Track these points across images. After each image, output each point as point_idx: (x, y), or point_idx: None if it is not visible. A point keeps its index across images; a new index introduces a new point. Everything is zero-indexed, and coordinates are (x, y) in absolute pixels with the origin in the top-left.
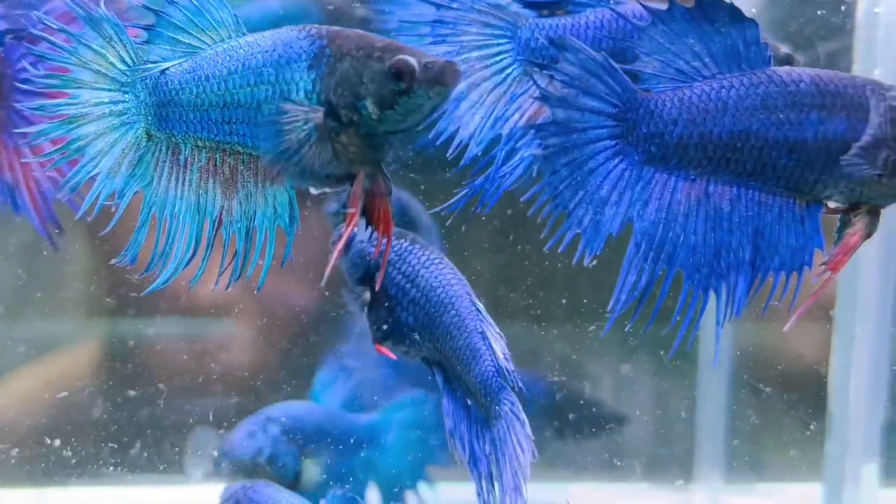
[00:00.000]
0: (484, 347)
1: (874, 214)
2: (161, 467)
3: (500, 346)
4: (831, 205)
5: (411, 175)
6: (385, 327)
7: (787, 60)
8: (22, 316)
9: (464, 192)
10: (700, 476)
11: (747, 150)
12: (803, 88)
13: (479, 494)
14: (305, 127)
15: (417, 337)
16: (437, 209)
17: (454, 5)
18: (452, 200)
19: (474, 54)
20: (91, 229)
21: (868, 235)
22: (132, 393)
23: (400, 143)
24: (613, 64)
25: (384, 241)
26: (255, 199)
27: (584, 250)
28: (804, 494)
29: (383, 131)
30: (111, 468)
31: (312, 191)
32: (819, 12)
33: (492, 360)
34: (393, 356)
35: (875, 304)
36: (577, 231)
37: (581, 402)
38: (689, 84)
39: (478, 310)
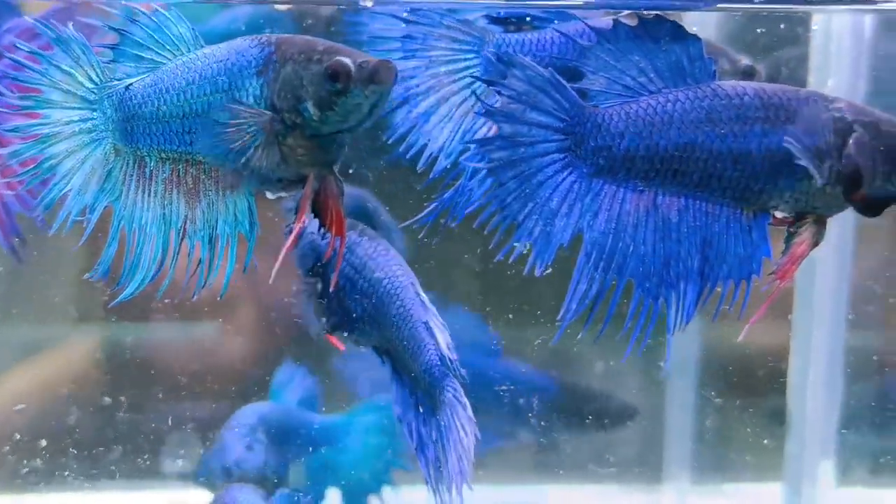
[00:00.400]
0: (428, 337)
1: (820, 224)
2: (138, 475)
3: (443, 336)
4: (778, 215)
5: (385, 187)
6: (335, 318)
7: (749, 72)
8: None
9: (433, 205)
10: (668, 477)
11: (693, 161)
12: (747, 101)
13: (426, 481)
14: (251, 129)
15: (366, 327)
16: (407, 223)
17: (423, 20)
18: (422, 214)
19: (443, 69)
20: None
21: (815, 244)
22: (110, 399)
23: (346, 144)
24: (560, 80)
25: (337, 241)
26: (216, 207)
27: (536, 261)
28: (766, 493)
29: (327, 132)
30: (84, 476)
31: (269, 195)
32: (781, 26)
33: (436, 350)
34: (341, 346)
35: (830, 308)
36: (528, 242)
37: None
38: (636, 99)
39: (422, 301)
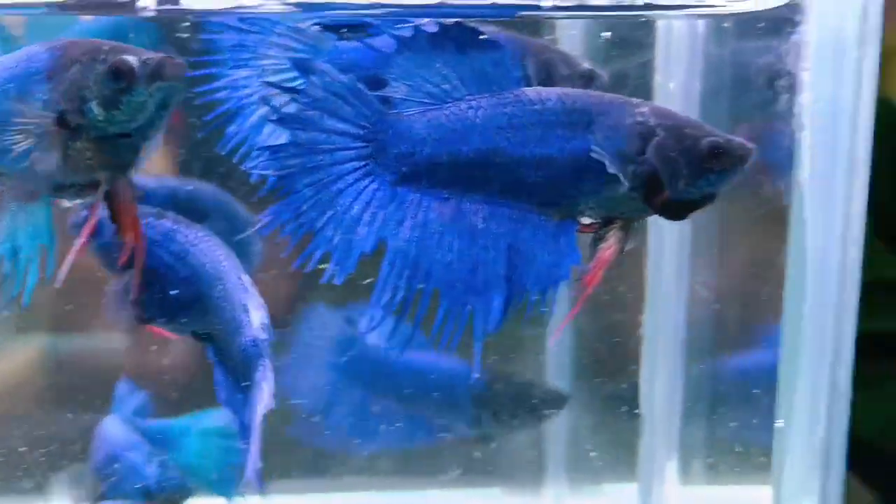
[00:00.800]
0: (246, 319)
1: (627, 228)
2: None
3: (258, 316)
4: (585, 220)
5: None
6: (154, 308)
7: (589, 75)
8: None
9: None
10: (549, 481)
11: (496, 167)
12: (550, 107)
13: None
14: (36, 133)
15: (188, 313)
16: (241, 235)
17: (254, 29)
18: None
19: (276, 78)
20: None
21: (622, 249)
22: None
23: (139, 147)
24: (360, 87)
25: (133, 247)
26: (18, 218)
27: (336, 268)
28: (629, 493)
29: (114, 133)
30: None
31: (66, 203)
32: (627, 31)
33: (251, 331)
34: (167, 334)
35: (673, 313)
36: (327, 250)
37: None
38: (439, 106)
39: (244, 284)
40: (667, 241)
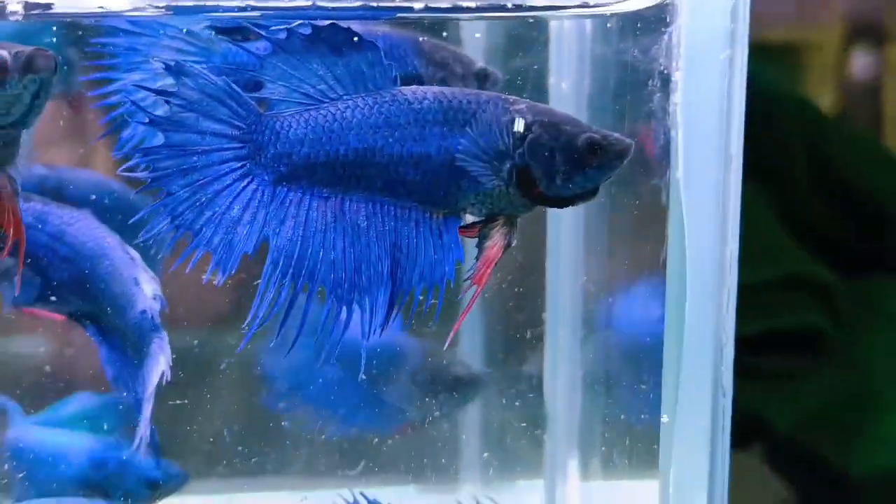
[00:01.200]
0: (138, 292)
1: (510, 224)
2: None
3: (150, 288)
4: (470, 218)
5: None
6: (34, 290)
7: (482, 74)
8: None
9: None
10: (463, 478)
11: (375, 166)
12: (426, 105)
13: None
14: None
15: (70, 293)
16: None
17: (145, 31)
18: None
19: (169, 80)
20: None
21: (507, 245)
22: None
23: (16, 141)
24: (235, 88)
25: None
26: None
27: (217, 268)
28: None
29: None
30: None
31: None
32: (533, 31)
33: (143, 303)
34: (46, 315)
35: (570, 308)
36: (207, 250)
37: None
38: (316, 106)
39: (131, 257)
40: (562, 239)
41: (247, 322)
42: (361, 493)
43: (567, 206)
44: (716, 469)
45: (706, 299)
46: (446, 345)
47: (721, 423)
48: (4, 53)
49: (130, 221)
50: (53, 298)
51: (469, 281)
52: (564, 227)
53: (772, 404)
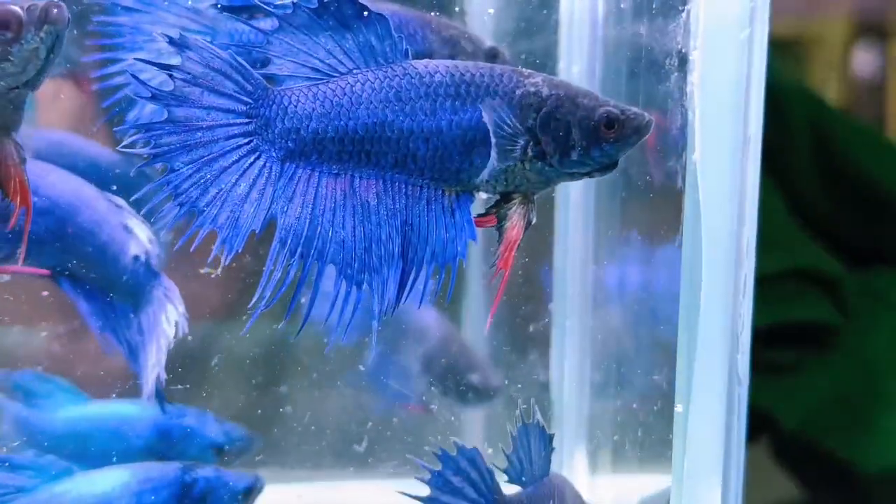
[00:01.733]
0: (129, 238)
1: (527, 202)
2: None
3: (143, 232)
4: (483, 196)
5: None
6: (6, 247)
7: (492, 53)
8: None
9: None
10: None
11: (385, 142)
12: (438, 79)
13: (142, 383)
14: None
15: (47, 247)
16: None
17: (150, 10)
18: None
19: (173, 61)
20: None
21: (528, 225)
22: None
23: (23, 104)
24: (241, 61)
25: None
26: None
27: (223, 247)
28: None
29: (4, 88)
30: None
31: None
32: (543, 11)
33: (137, 249)
34: (27, 271)
35: (579, 295)
36: (213, 228)
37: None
38: (325, 80)
39: (117, 204)
40: (572, 225)
41: (252, 303)
42: None
43: (583, 178)
44: (730, 460)
45: (722, 285)
46: (486, 328)
47: (736, 412)
48: (17, 8)
49: (132, 198)
50: (38, 252)
51: (494, 267)
52: (574, 211)
53: (779, 398)
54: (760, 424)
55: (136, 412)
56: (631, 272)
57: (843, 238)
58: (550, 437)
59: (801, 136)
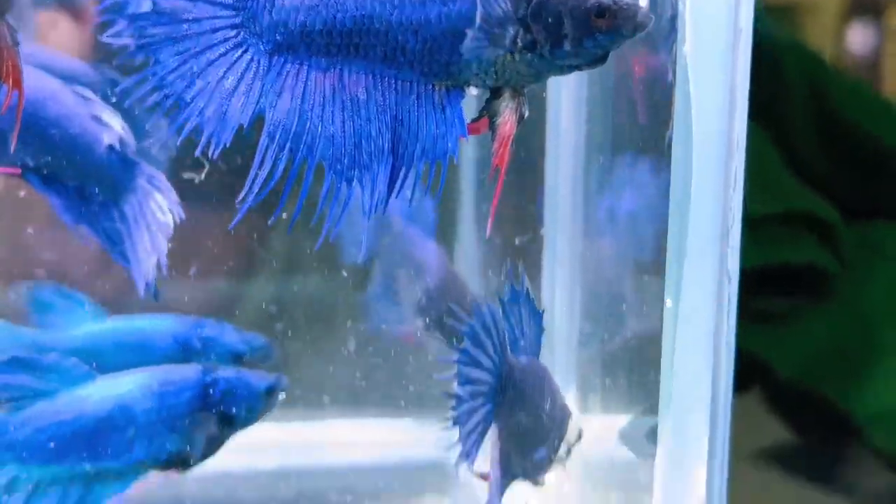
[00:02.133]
0: (101, 129)
1: (518, 95)
2: None
3: (118, 122)
4: (473, 91)
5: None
6: None
7: None
8: None
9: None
10: None
11: (374, 34)
12: None
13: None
14: None
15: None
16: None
17: None
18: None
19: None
20: None
21: (520, 119)
22: None
23: None
24: None
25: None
26: None
27: (210, 140)
28: None
29: None
30: None
31: None
32: None
33: (110, 138)
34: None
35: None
36: (199, 122)
37: None
38: None
39: (85, 97)
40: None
41: (240, 197)
42: None
43: (573, 71)
44: (720, 361)
45: (713, 179)
46: (487, 232)
47: (726, 308)
48: None
49: (117, 89)
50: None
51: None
52: (565, 108)
53: (773, 347)
54: (754, 372)
55: (154, 325)
56: (621, 170)
57: (840, 195)
58: (541, 315)
59: (798, 94)
